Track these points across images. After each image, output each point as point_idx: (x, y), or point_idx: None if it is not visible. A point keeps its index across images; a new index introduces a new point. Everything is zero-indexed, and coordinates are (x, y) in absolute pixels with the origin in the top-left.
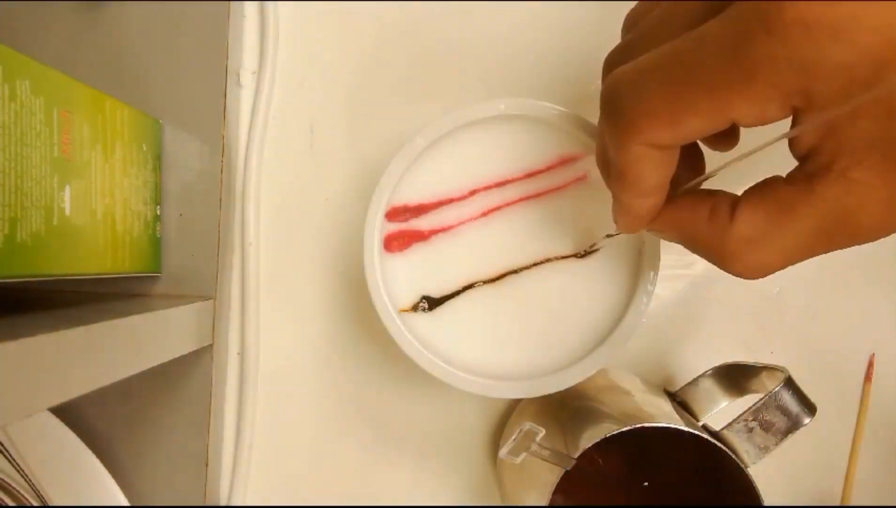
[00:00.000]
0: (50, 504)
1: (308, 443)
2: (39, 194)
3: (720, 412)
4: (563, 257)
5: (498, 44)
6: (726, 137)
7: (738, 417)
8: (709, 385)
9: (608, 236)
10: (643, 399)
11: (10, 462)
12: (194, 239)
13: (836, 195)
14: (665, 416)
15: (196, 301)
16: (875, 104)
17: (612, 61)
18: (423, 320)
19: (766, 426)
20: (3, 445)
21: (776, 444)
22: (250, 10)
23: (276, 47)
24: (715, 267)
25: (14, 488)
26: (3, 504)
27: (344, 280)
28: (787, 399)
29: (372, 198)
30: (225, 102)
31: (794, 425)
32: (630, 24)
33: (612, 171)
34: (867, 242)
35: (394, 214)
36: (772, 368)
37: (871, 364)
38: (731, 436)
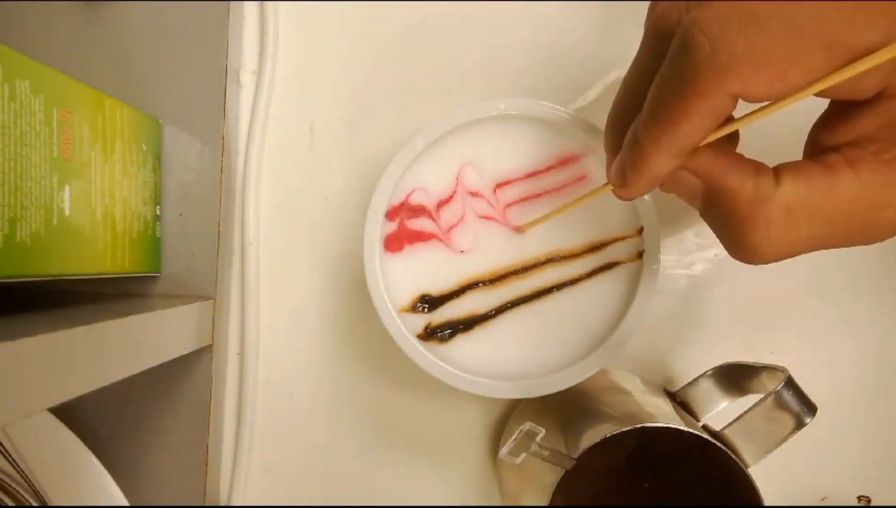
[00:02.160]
0: (50, 504)
1: (308, 443)
2: (39, 194)
3: (720, 412)
4: (564, 258)
5: (498, 44)
6: (731, 137)
7: (739, 417)
8: (709, 385)
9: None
10: (643, 399)
11: (9, 462)
12: (194, 239)
13: (878, 183)
14: (665, 416)
15: (196, 301)
16: None
17: (675, 7)
18: (423, 320)
19: (767, 426)
20: (2, 445)
21: (776, 444)
22: (250, 10)
23: (276, 47)
24: (714, 267)
25: (14, 488)
26: (3, 504)
27: (344, 280)
28: (788, 399)
29: (372, 198)
30: (225, 102)
31: (794, 425)
32: None
33: (660, 120)
34: (878, 240)
35: (394, 213)
36: (772, 368)
37: None
38: (731, 436)
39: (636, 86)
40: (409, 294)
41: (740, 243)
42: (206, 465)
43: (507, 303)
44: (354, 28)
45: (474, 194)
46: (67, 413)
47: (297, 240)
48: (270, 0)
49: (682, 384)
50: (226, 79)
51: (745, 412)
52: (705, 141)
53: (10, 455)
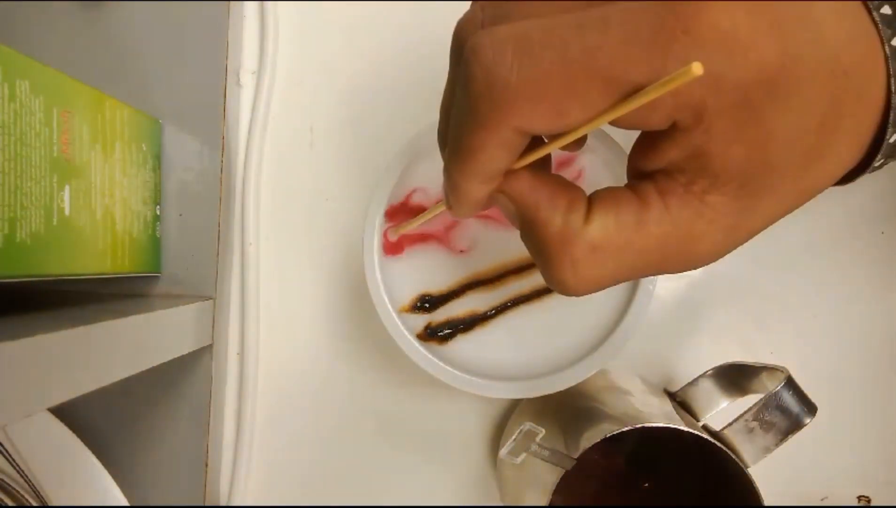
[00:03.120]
0: (49, 504)
1: (308, 443)
2: (39, 194)
3: (720, 412)
4: None
5: None
6: (577, 142)
7: (739, 417)
8: (709, 385)
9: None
10: (643, 400)
11: (9, 462)
12: (194, 239)
13: (689, 217)
14: (665, 416)
15: (196, 301)
16: (755, 132)
17: (467, 28)
18: (423, 320)
19: (767, 426)
20: (2, 445)
21: (776, 444)
22: (250, 10)
23: (276, 47)
24: (713, 267)
25: (14, 488)
26: (3, 504)
27: (344, 280)
28: (788, 399)
29: (372, 198)
30: (225, 102)
31: (794, 425)
32: None
33: (458, 150)
34: (691, 269)
35: (394, 213)
36: (772, 368)
37: None
38: (731, 436)
39: (446, 107)
40: (409, 294)
41: (549, 276)
42: (206, 465)
43: (507, 303)
44: (354, 28)
45: None
46: (67, 413)
47: (297, 240)
48: (270, 0)
49: (682, 384)
50: (226, 79)
51: (745, 412)
52: (519, 165)
53: (10, 455)
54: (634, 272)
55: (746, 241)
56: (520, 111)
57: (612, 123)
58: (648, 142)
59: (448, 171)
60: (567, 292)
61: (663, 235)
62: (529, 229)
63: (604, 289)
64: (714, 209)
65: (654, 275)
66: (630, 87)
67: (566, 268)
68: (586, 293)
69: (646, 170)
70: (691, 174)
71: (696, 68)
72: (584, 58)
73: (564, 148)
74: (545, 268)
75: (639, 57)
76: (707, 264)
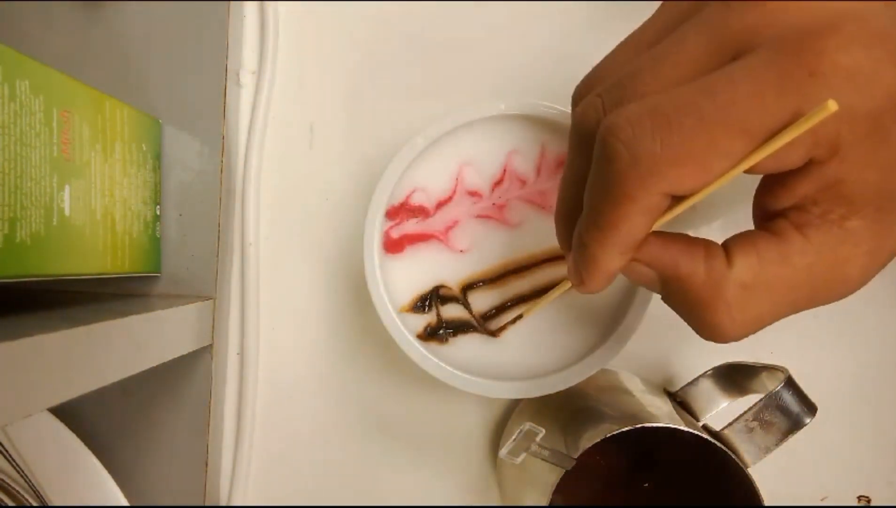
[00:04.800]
0: (49, 504)
1: (308, 443)
2: (39, 194)
3: (720, 412)
4: (564, 257)
5: (498, 44)
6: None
7: (739, 417)
8: (709, 385)
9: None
10: (643, 399)
11: (9, 462)
12: (194, 239)
13: (831, 245)
14: (665, 416)
15: (196, 301)
16: (887, 154)
17: (589, 115)
18: (423, 319)
19: (767, 427)
20: (2, 445)
21: (776, 444)
22: (250, 10)
23: (276, 47)
24: None
25: (14, 488)
26: (3, 505)
27: (344, 280)
28: (788, 399)
29: (372, 198)
30: (225, 102)
31: (794, 425)
32: (608, 67)
33: (599, 225)
34: (845, 296)
35: (394, 213)
36: (772, 368)
37: None
38: (731, 436)
39: (573, 184)
40: (409, 294)
41: (705, 326)
42: (206, 465)
43: (507, 303)
44: (354, 28)
45: (473, 194)
46: (67, 413)
47: (297, 240)
48: (270, 0)
49: (682, 384)
50: (226, 79)
51: (745, 412)
52: (652, 230)
53: (10, 455)
54: (789, 306)
55: (889, 261)
56: (667, 176)
57: (751, 170)
58: (777, 182)
59: (585, 247)
60: (726, 337)
61: (809, 265)
62: (675, 287)
63: (762, 328)
64: (855, 234)
65: (808, 308)
66: (766, 133)
67: (721, 313)
68: (744, 337)
69: (776, 209)
70: (827, 204)
71: (832, 105)
72: (720, 115)
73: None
74: (700, 318)
75: (772, 105)
76: (856, 289)
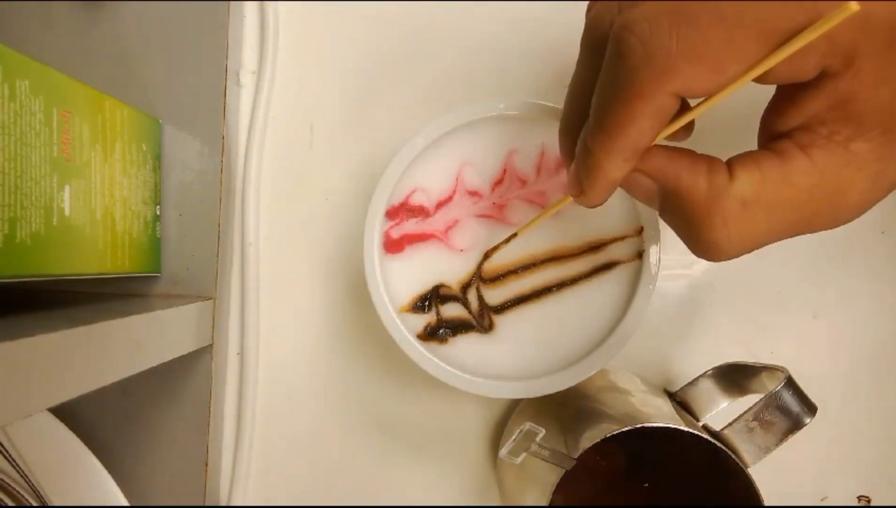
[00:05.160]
0: (49, 504)
1: (308, 443)
2: (39, 194)
3: (720, 412)
4: (564, 257)
5: (498, 44)
6: (686, 128)
7: (739, 417)
8: (709, 385)
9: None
10: (643, 400)
11: (9, 462)
12: (194, 239)
13: (835, 166)
14: (665, 416)
15: (196, 301)
16: None
17: (604, 11)
18: (423, 320)
19: (767, 426)
20: (2, 445)
21: (776, 444)
22: (250, 10)
23: (276, 47)
24: (714, 267)
25: (14, 488)
26: (3, 504)
27: (344, 280)
28: (788, 399)
29: (372, 197)
30: (225, 102)
31: (794, 425)
32: None
33: (606, 127)
34: (842, 223)
35: (394, 213)
36: (772, 368)
37: None
38: (731, 436)
39: (580, 93)
40: (409, 294)
41: (700, 241)
42: (206, 465)
43: (507, 303)
44: (354, 28)
45: (473, 194)
46: (67, 413)
47: (297, 240)
48: (270, 0)
49: (682, 384)
50: (226, 79)
51: (745, 412)
52: (656, 141)
53: (10, 455)
54: (786, 229)
55: (891, 191)
56: (681, 74)
57: (762, 78)
58: (785, 100)
59: (589, 152)
60: (720, 253)
61: (811, 186)
62: (674, 199)
63: (755, 249)
64: (860, 157)
65: (803, 232)
66: (784, 35)
67: (719, 228)
68: (740, 254)
69: (782, 129)
70: (834, 124)
71: (853, 5)
72: (738, 15)
73: (673, 136)
74: (696, 233)
75: (791, 5)
76: (855, 216)
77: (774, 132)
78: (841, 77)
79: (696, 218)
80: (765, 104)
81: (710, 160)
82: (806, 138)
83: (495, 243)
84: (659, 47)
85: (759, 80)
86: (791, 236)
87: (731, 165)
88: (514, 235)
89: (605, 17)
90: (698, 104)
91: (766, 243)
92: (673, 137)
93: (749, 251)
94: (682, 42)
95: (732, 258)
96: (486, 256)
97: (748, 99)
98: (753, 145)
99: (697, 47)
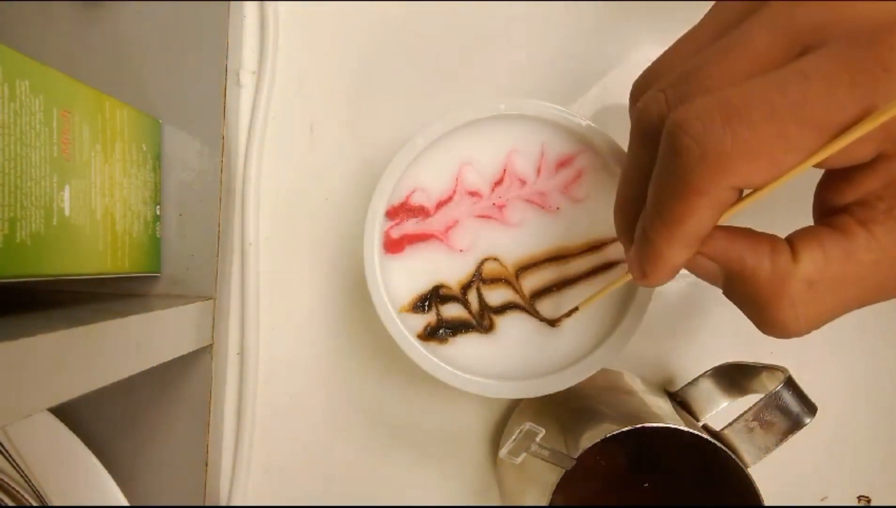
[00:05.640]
0: (49, 504)
1: (308, 443)
2: (39, 194)
3: (720, 412)
4: (564, 257)
5: (498, 44)
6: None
7: (739, 417)
8: (709, 385)
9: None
10: (643, 399)
11: (9, 462)
12: (194, 239)
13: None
14: (665, 416)
15: (196, 301)
16: None
17: (652, 110)
18: (423, 319)
19: (767, 426)
20: (2, 445)
21: (776, 444)
22: (250, 10)
23: (276, 47)
24: None
25: (14, 488)
26: (3, 504)
27: (344, 280)
28: (788, 399)
29: (372, 197)
30: (224, 102)
31: (794, 425)
32: (669, 63)
33: (665, 220)
34: None
35: (394, 213)
36: (772, 368)
37: None
38: (731, 436)
39: (635, 180)
40: (409, 294)
41: (769, 323)
42: (206, 465)
43: (508, 303)
44: (354, 28)
45: (473, 194)
46: (67, 413)
47: (297, 240)
48: (270, 0)
49: (682, 384)
50: (226, 79)
51: (745, 412)
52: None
53: (10, 455)
54: (852, 303)
55: None
56: (737, 171)
57: (819, 164)
58: (841, 177)
59: (649, 241)
60: (789, 332)
61: (875, 261)
62: (739, 282)
63: (825, 324)
64: None
65: (871, 303)
66: (837, 128)
67: (786, 309)
68: (809, 331)
69: (839, 204)
70: (892, 200)
71: None
72: (792, 109)
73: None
74: (763, 314)
75: (845, 99)
76: None
77: (830, 207)
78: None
79: (761, 300)
80: (818, 176)
81: (772, 241)
82: (865, 214)
83: (496, 245)
84: (713, 146)
85: (816, 166)
86: (860, 307)
87: (792, 244)
88: (576, 308)
89: (652, 108)
90: (754, 192)
91: (834, 318)
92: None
93: (818, 328)
94: (737, 140)
95: (802, 335)
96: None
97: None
98: (801, 209)
99: (751, 144)
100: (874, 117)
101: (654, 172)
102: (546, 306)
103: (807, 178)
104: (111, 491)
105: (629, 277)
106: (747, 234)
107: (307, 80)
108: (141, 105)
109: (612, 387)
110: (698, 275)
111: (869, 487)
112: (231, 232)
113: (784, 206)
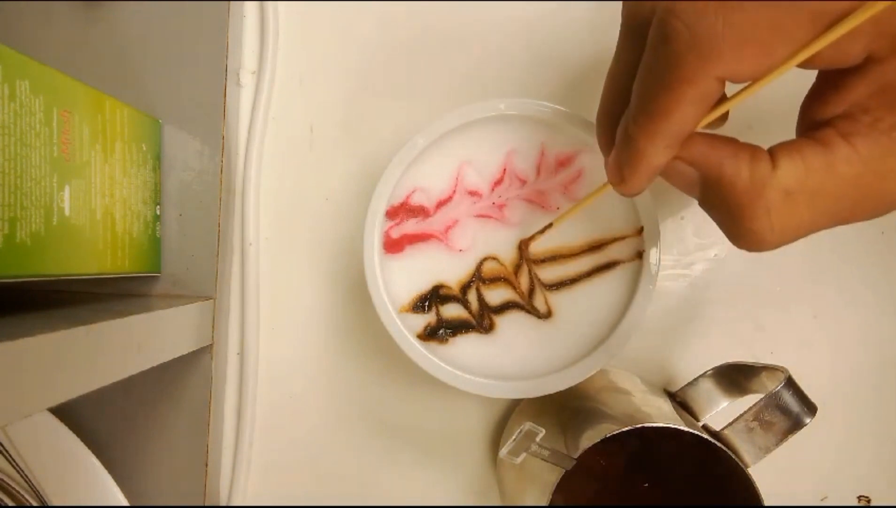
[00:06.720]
0: (49, 504)
1: (308, 443)
2: (39, 194)
3: (720, 412)
4: (564, 257)
5: (497, 44)
6: (722, 116)
7: (739, 417)
8: (709, 385)
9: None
10: (643, 400)
11: (9, 462)
12: (194, 239)
13: (879, 155)
14: (665, 416)
15: (196, 301)
16: None
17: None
18: (423, 320)
19: (767, 426)
20: (2, 445)
21: (776, 444)
22: (250, 10)
23: (276, 47)
24: (714, 267)
25: (14, 488)
26: (3, 504)
27: (344, 280)
28: (788, 399)
29: (372, 197)
30: (225, 102)
31: (794, 425)
32: None
33: (649, 112)
34: (884, 212)
35: (394, 213)
36: (772, 368)
37: None
38: (731, 436)
39: (620, 79)
40: (409, 294)
41: (742, 232)
42: (206, 465)
43: (507, 303)
44: (354, 28)
45: (473, 194)
46: (67, 413)
47: (297, 240)
48: (270, 0)
49: (682, 384)
50: (226, 79)
51: (745, 412)
52: (698, 127)
53: (10, 455)
54: (828, 219)
55: None
56: (727, 58)
57: (807, 63)
58: (827, 86)
59: (630, 138)
60: (762, 243)
61: (855, 175)
62: (716, 188)
63: (797, 239)
64: None
65: (846, 222)
66: (832, 18)
67: (761, 217)
68: (781, 244)
69: (823, 117)
70: (878, 111)
71: None
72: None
73: (711, 125)
74: (738, 223)
75: None
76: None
77: (815, 120)
78: (887, 62)
79: (737, 207)
80: (804, 92)
81: (752, 149)
82: (848, 127)
83: (495, 244)
84: (705, 31)
85: (804, 64)
86: (833, 226)
87: (773, 153)
88: (550, 225)
89: (645, 2)
90: (739, 91)
91: (808, 233)
92: (709, 125)
93: (790, 242)
94: (729, 25)
95: (774, 249)
96: (523, 246)
97: (788, 87)
98: (792, 135)
99: (744, 30)
100: (866, 8)
101: (640, 65)
102: (546, 306)
103: (792, 113)
104: (111, 491)
105: (608, 186)
106: (728, 141)
107: (307, 80)
108: (141, 105)
109: (612, 387)
110: (675, 183)
111: (869, 487)
112: (231, 232)
113: (769, 127)
